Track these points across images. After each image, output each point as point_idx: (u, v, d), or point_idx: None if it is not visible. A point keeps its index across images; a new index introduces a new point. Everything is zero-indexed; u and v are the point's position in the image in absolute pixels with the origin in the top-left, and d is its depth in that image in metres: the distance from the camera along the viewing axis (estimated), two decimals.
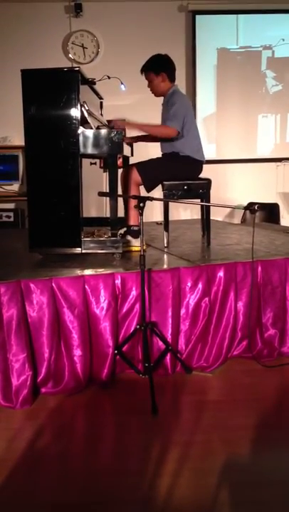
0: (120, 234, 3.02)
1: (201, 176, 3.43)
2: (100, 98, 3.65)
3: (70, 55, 5.49)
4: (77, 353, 2.40)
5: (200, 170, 3.40)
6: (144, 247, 2.34)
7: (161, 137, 3.33)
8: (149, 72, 3.29)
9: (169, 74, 3.30)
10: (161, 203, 3.56)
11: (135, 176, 3.17)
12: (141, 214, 2.35)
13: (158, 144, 3.46)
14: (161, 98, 3.43)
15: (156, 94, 3.38)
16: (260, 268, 2.72)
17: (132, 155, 3.65)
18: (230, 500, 1.62)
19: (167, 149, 3.37)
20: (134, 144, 3.65)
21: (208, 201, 3.36)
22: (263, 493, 1.67)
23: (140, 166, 3.21)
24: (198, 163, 3.36)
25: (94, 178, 4.04)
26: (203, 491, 1.66)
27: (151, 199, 2.40)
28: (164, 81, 3.29)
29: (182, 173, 3.28)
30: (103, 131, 2.77)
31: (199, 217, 3.94)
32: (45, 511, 1.61)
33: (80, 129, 2.72)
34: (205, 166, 3.46)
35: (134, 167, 3.20)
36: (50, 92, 2.70)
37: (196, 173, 3.39)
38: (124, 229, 3.27)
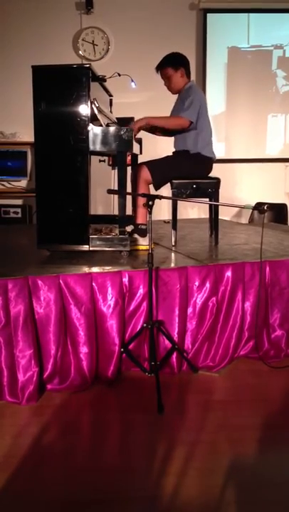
0: (128, 232, 3.01)
1: (210, 175, 3.41)
2: (110, 95, 3.65)
3: (80, 52, 5.49)
4: (84, 350, 2.40)
5: (210, 168, 3.38)
6: (152, 246, 2.34)
7: (174, 128, 3.28)
8: (167, 68, 3.28)
9: (186, 69, 3.31)
10: (169, 201, 3.56)
11: (145, 174, 3.16)
12: (150, 212, 2.34)
13: (167, 143, 3.45)
14: (172, 96, 3.42)
15: (174, 90, 3.36)
16: (268, 268, 2.71)
17: (141, 153, 3.65)
18: (236, 500, 1.61)
19: (180, 147, 3.35)
20: (143, 142, 3.64)
21: (217, 200, 3.35)
22: (269, 494, 1.66)
23: (151, 164, 3.20)
24: (208, 161, 3.34)
25: (102, 176, 4.04)
26: (209, 491, 1.65)
27: (160, 197, 2.39)
28: (182, 76, 3.30)
29: (192, 171, 3.26)
30: (112, 129, 2.77)
31: (207, 216, 3.93)
32: (50, 508, 1.61)
33: (90, 126, 2.72)
34: (214, 165, 3.45)
35: (145, 165, 3.18)
36: (60, 88, 2.70)
37: (206, 171, 3.37)
38: (132, 227, 3.27)
